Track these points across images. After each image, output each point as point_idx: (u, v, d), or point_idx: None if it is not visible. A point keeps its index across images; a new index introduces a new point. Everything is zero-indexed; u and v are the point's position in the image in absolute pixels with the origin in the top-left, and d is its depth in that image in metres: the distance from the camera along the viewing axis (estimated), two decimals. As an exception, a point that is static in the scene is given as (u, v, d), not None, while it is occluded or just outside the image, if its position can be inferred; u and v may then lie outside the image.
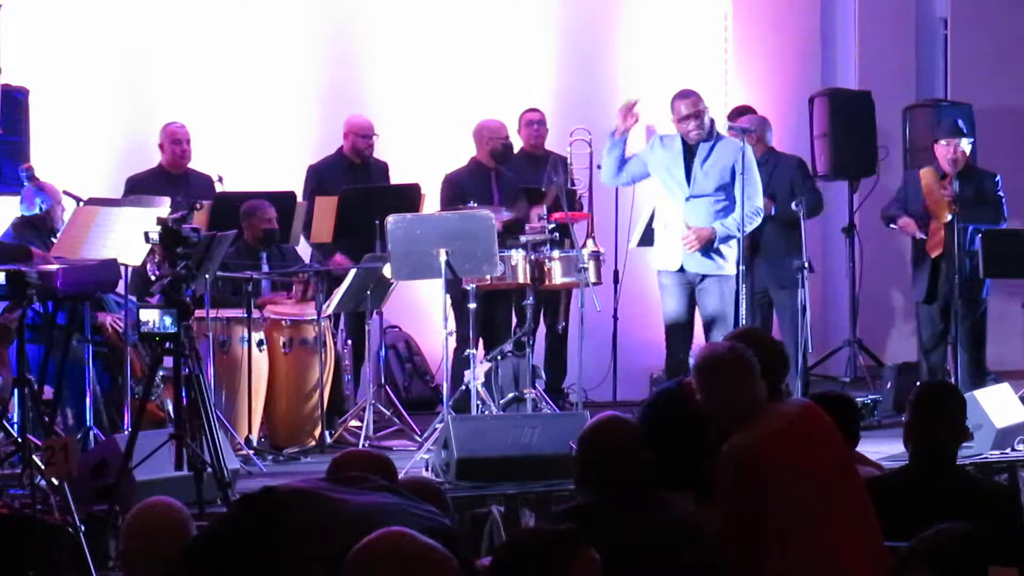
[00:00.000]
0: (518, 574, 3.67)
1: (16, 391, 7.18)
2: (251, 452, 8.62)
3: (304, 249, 10.10)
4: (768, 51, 12.54)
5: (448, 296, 8.78)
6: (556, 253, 9.14)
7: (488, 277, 8.83)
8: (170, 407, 7.58)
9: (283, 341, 9.13)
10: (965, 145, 9.95)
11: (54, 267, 7.52)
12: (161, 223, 6.85)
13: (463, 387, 8.98)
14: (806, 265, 9.70)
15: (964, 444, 5.89)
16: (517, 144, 10.73)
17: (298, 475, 6.85)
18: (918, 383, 8.94)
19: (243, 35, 11.24)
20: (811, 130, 11.77)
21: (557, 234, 9.26)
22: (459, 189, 10.05)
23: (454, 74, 11.66)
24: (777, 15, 12.61)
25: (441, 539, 3.74)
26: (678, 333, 8.98)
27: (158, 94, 10.92)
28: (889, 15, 12.75)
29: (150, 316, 6.78)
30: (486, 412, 8.89)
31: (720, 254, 8.90)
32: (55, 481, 6.59)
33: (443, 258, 8.41)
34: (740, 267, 8.94)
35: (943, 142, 9.95)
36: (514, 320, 10.20)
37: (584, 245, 9.31)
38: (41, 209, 8.86)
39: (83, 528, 6.49)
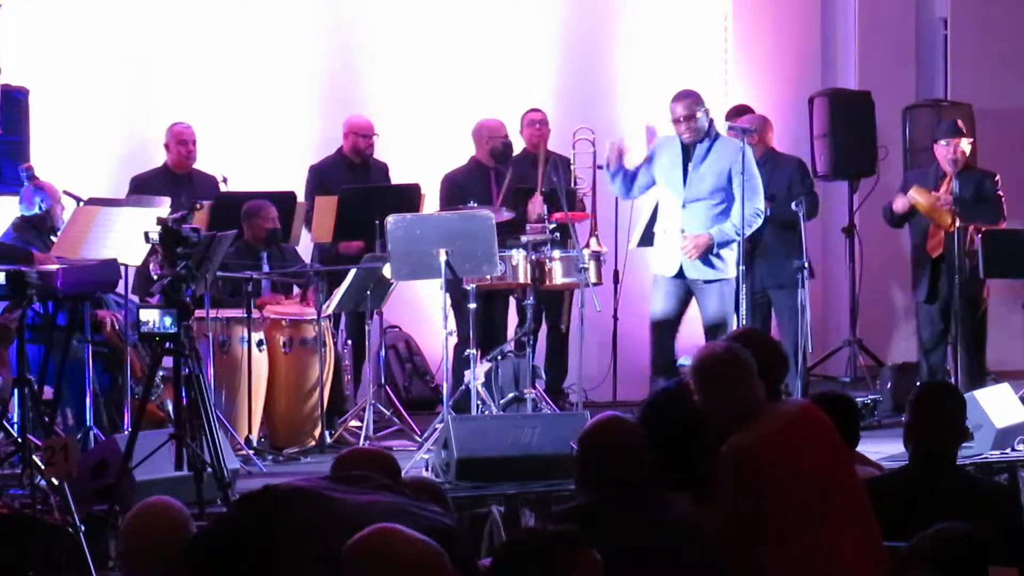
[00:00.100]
0: (518, 574, 3.66)
1: (16, 391, 7.18)
2: (251, 452, 8.62)
3: (304, 249, 10.09)
4: (768, 51, 12.53)
5: (448, 296, 8.78)
6: (557, 253, 9.13)
7: (488, 277, 8.83)
8: (170, 407, 7.58)
9: (283, 341, 9.13)
10: (965, 145, 9.95)
11: (54, 267, 7.53)
12: (161, 223, 6.85)
13: (463, 387, 8.98)
14: (806, 266, 9.69)
15: (964, 444, 5.89)
16: (519, 144, 10.74)
17: (298, 475, 6.84)
18: (918, 383, 8.96)
19: (243, 35, 11.24)
20: (811, 130, 11.77)
21: (558, 234, 9.26)
22: (458, 189, 10.06)
23: (454, 74, 11.66)
24: (777, 15, 12.61)
25: (442, 538, 3.74)
26: (664, 330, 8.92)
27: (158, 94, 10.92)
28: (889, 15, 12.74)
29: (150, 316, 6.78)
30: (486, 412, 8.89)
31: (720, 258, 8.87)
32: (55, 481, 6.59)
33: (443, 258, 8.41)
34: (740, 268, 8.93)
35: (943, 142, 9.95)
36: (513, 320, 10.20)
37: (587, 245, 9.31)
38: (41, 209, 8.86)
39: (83, 528, 6.49)
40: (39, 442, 6.90)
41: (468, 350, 8.95)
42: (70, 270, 7.66)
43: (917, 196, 9.81)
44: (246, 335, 8.91)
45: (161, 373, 7.62)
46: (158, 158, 10.12)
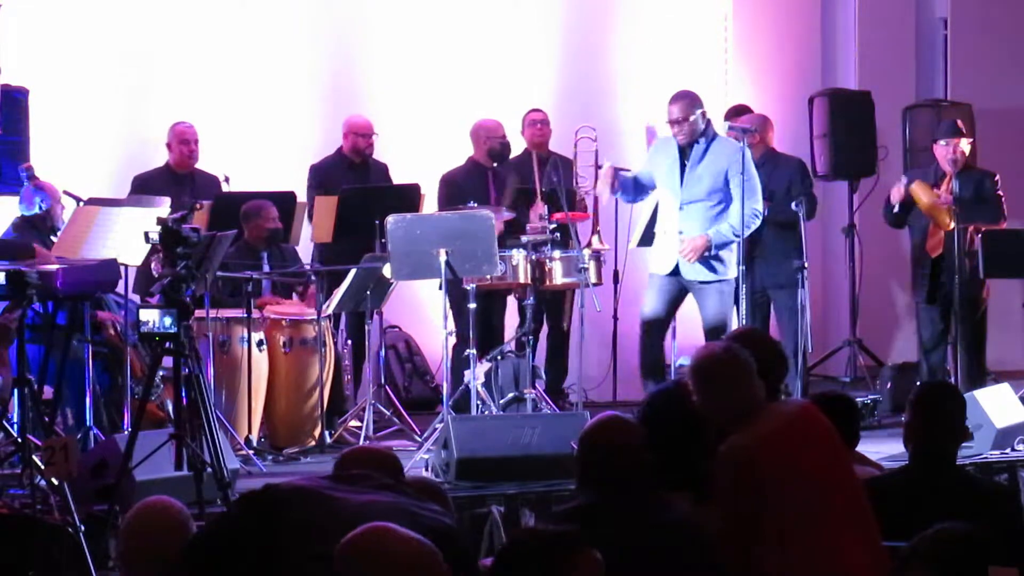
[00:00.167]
0: (519, 574, 3.66)
1: (16, 391, 7.18)
2: (251, 452, 8.62)
3: (304, 250, 10.10)
4: (768, 51, 12.53)
5: (447, 296, 8.78)
6: (557, 253, 9.13)
7: (488, 277, 8.83)
8: (170, 407, 7.58)
9: (283, 341, 9.13)
10: (965, 145, 9.95)
11: (54, 267, 7.52)
12: (161, 223, 6.85)
13: (463, 387, 8.98)
14: (806, 266, 9.69)
15: (964, 444, 5.89)
16: (520, 144, 10.75)
17: (298, 475, 6.84)
18: (918, 383, 8.96)
19: (243, 35, 11.24)
20: (811, 130, 11.77)
21: (558, 234, 9.26)
22: (456, 189, 10.07)
23: (454, 74, 11.66)
24: (777, 15, 12.61)
25: (443, 538, 3.74)
26: (652, 332, 8.89)
27: (158, 94, 10.92)
28: (889, 15, 12.74)
29: (150, 316, 6.77)
30: (486, 412, 8.89)
31: (719, 259, 8.83)
32: (55, 481, 6.59)
33: (443, 258, 8.42)
34: (740, 268, 8.93)
35: (943, 142, 9.95)
36: (511, 320, 10.20)
37: (589, 243, 9.31)
38: (41, 209, 8.86)
39: (83, 528, 6.49)
40: (39, 442, 6.90)
41: (468, 350, 8.95)
42: (70, 270, 7.65)
43: (918, 191, 9.80)
44: (246, 335, 8.91)
45: (161, 373, 7.62)
46: (158, 158, 10.12)
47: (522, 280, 9.09)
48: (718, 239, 8.75)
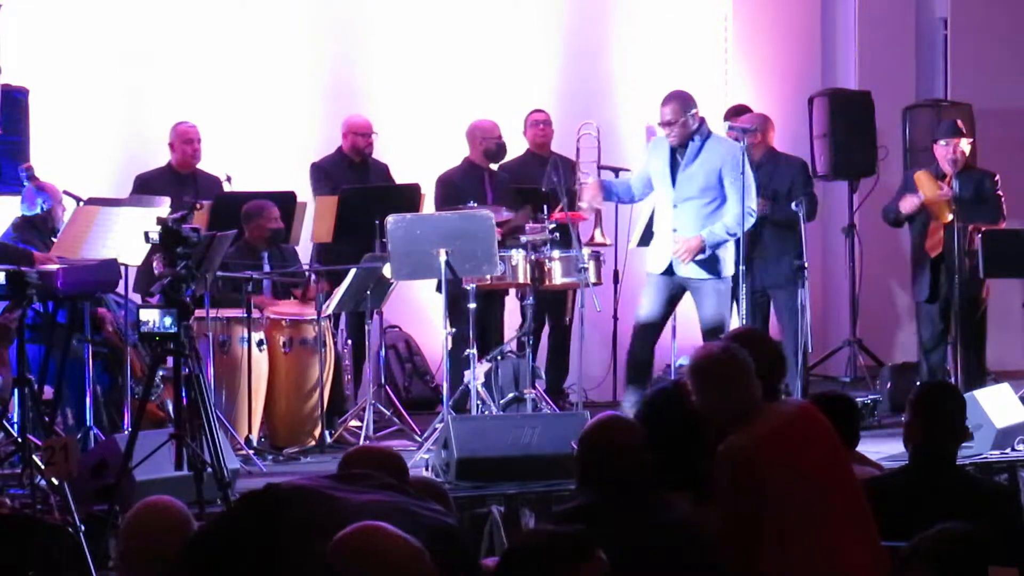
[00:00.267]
0: (522, 574, 3.67)
1: (16, 391, 7.18)
2: (251, 452, 8.62)
3: (304, 250, 10.10)
4: (768, 51, 12.54)
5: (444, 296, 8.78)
6: (556, 253, 9.13)
7: (488, 277, 8.83)
8: (170, 407, 7.58)
9: (283, 341, 9.13)
10: (965, 145, 9.95)
11: (54, 267, 7.53)
12: (161, 223, 6.85)
13: (463, 387, 8.99)
14: (806, 266, 9.69)
15: (964, 444, 5.89)
16: (522, 145, 10.75)
17: (298, 475, 6.84)
18: (918, 383, 8.96)
19: (243, 35, 11.24)
20: (811, 130, 11.77)
21: (557, 234, 9.26)
22: (453, 189, 10.08)
23: (454, 74, 11.66)
24: (777, 15, 12.61)
25: (445, 538, 3.75)
26: (642, 336, 8.85)
27: (158, 94, 10.92)
28: (889, 15, 12.75)
29: (150, 316, 6.77)
30: (486, 412, 8.89)
31: (714, 258, 8.80)
32: (55, 481, 6.59)
33: (443, 258, 8.42)
34: (740, 267, 8.93)
35: (943, 142, 9.95)
36: (509, 320, 10.20)
37: (591, 237, 9.31)
38: (42, 209, 8.85)
39: (83, 528, 6.49)
40: (39, 442, 6.90)
41: (468, 350, 8.95)
42: (70, 270, 7.66)
43: (923, 180, 9.81)
44: (246, 335, 8.91)
45: (161, 373, 7.62)
46: (159, 158, 10.12)
47: (521, 280, 9.09)
48: (712, 239, 8.71)
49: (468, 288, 8.85)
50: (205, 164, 10.15)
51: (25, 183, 8.97)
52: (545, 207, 9.37)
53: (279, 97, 11.28)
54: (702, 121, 8.80)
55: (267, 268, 9.30)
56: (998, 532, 4.21)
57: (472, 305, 8.88)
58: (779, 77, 12.46)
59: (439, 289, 9.17)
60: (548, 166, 9.76)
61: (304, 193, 10.16)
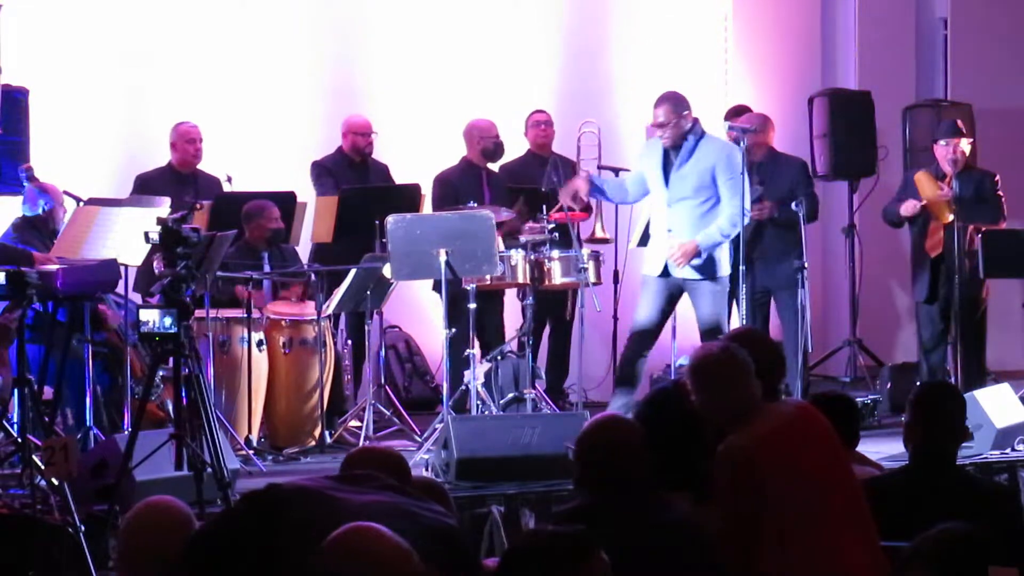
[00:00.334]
0: (523, 575, 3.66)
1: (16, 391, 7.18)
2: (251, 452, 8.63)
3: (304, 250, 10.10)
4: (768, 51, 12.54)
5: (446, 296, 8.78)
6: (556, 253, 9.13)
7: (488, 277, 8.84)
8: (170, 407, 7.58)
9: (283, 341, 9.13)
10: (965, 145, 9.95)
11: (54, 267, 7.53)
12: (161, 223, 6.85)
13: (463, 387, 8.99)
14: (806, 265, 9.69)
15: (964, 444, 5.89)
16: (522, 145, 10.75)
17: (298, 475, 6.85)
18: (918, 383, 8.96)
19: (243, 35, 11.25)
20: (811, 130, 11.77)
21: (557, 234, 9.26)
22: (450, 189, 10.09)
23: (454, 74, 11.67)
24: (777, 15, 12.61)
25: (445, 539, 3.75)
26: (637, 341, 8.79)
27: (158, 94, 10.92)
28: (889, 15, 12.75)
29: (150, 316, 6.78)
30: (486, 412, 8.89)
31: (710, 259, 8.77)
32: (55, 481, 6.59)
33: (443, 258, 8.42)
34: (740, 267, 8.92)
35: (943, 142, 9.95)
36: (508, 320, 10.20)
37: (592, 232, 9.29)
38: (44, 210, 8.86)
39: (83, 528, 6.49)
40: (39, 442, 6.90)
41: (468, 350, 8.95)
42: (70, 270, 7.66)
43: (923, 181, 9.81)
44: (246, 335, 8.91)
45: (161, 373, 7.62)
46: (159, 158, 10.12)
47: (521, 280, 9.09)
48: (707, 242, 8.65)
49: (468, 288, 8.85)
50: (205, 164, 10.16)
51: (25, 183, 8.97)
52: (544, 207, 9.38)
53: (279, 97, 11.29)
54: (695, 122, 8.77)
55: (267, 268, 9.30)
56: (998, 532, 4.21)
57: (472, 305, 8.89)
58: (779, 77, 12.46)
59: (435, 288, 9.17)
60: (548, 166, 9.78)
61: (304, 193, 10.16)
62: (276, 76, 11.30)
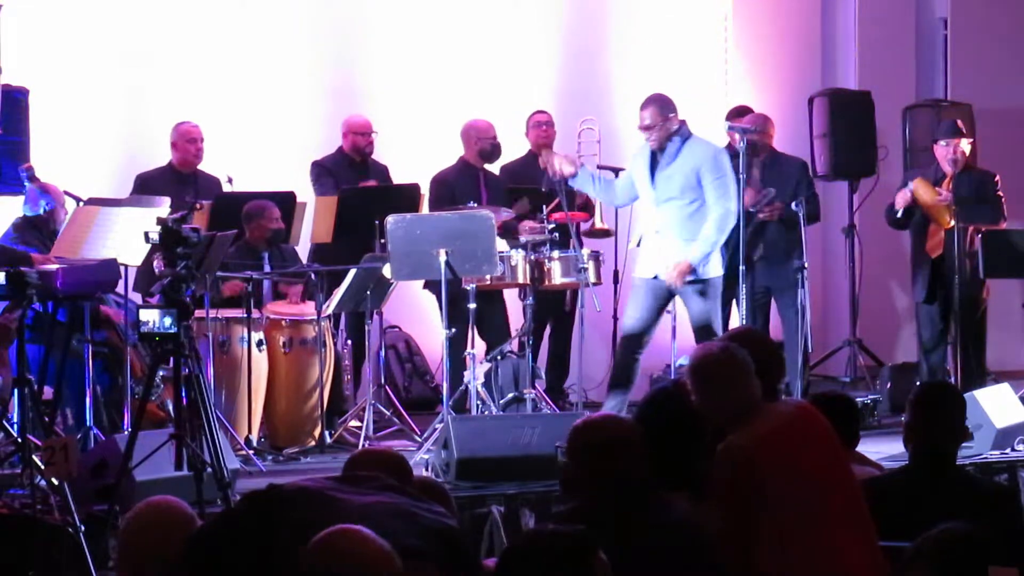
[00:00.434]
0: (523, 575, 3.66)
1: (16, 391, 7.18)
2: (251, 452, 8.63)
3: (304, 250, 10.10)
4: (768, 51, 12.54)
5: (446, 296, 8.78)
6: (556, 253, 9.13)
7: (488, 277, 8.83)
8: (170, 407, 7.59)
9: (283, 341, 9.13)
10: (965, 145, 9.95)
11: (54, 267, 7.53)
12: (161, 223, 6.85)
13: (463, 387, 8.99)
14: (806, 265, 9.69)
15: (964, 444, 5.89)
16: (523, 145, 10.75)
17: (298, 475, 6.85)
18: (918, 383, 8.96)
19: (243, 35, 11.24)
20: (811, 130, 11.77)
21: (556, 234, 9.26)
22: (447, 189, 10.08)
23: (454, 74, 11.67)
24: (777, 15, 12.61)
25: (446, 539, 3.75)
26: (628, 344, 8.73)
27: (158, 94, 10.92)
28: (889, 15, 12.75)
29: (150, 316, 6.78)
30: (486, 412, 8.89)
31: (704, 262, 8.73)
32: (55, 481, 6.60)
33: (443, 258, 8.42)
34: (740, 267, 8.92)
35: (943, 142, 9.95)
36: (514, 320, 10.20)
37: (592, 225, 9.26)
38: (45, 210, 8.86)
39: (83, 528, 6.49)
40: (39, 442, 6.90)
41: (468, 350, 8.95)
42: (70, 270, 7.66)
43: (920, 188, 9.81)
44: (246, 335, 8.92)
45: (161, 373, 7.63)
46: (159, 158, 10.12)
47: (521, 280, 9.09)
48: (698, 255, 8.56)
49: (468, 288, 8.85)
50: (205, 164, 10.16)
51: (26, 183, 8.97)
52: (544, 207, 9.38)
53: (279, 97, 11.29)
54: (682, 124, 8.74)
55: (267, 268, 9.30)
56: (998, 532, 4.21)
57: (472, 305, 8.89)
58: (779, 77, 12.46)
59: (427, 287, 9.16)
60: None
61: (304, 193, 10.16)
62: (276, 76, 11.30)
